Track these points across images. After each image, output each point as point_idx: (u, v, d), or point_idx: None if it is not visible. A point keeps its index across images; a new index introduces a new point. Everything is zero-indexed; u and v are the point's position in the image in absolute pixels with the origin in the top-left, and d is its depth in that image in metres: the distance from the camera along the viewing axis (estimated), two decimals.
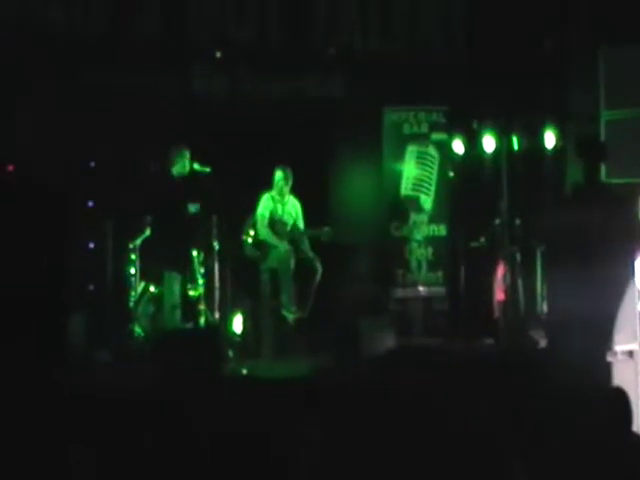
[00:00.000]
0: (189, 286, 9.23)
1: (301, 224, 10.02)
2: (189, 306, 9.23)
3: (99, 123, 9.49)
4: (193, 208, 9.17)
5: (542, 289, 9.57)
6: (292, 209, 10.01)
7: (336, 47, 10.72)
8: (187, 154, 9.21)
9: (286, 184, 9.86)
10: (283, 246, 9.85)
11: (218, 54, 10.23)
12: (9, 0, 9.44)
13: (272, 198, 9.94)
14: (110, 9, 9.92)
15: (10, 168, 5.76)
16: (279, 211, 9.97)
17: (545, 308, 9.10)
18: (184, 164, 9.19)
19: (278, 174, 9.83)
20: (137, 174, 9.54)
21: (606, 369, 6.69)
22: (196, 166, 9.16)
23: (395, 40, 10.92)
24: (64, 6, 9.70)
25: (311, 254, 9.90)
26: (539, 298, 9.72)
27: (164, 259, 9.15)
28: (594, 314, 6.64)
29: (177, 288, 9.10)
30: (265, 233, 9.89)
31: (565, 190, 9.80)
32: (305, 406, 6.39)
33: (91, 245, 9.74)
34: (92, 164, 9.83)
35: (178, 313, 9.09)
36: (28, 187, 5.54)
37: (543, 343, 8.81)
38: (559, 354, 6.93)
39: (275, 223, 9.93)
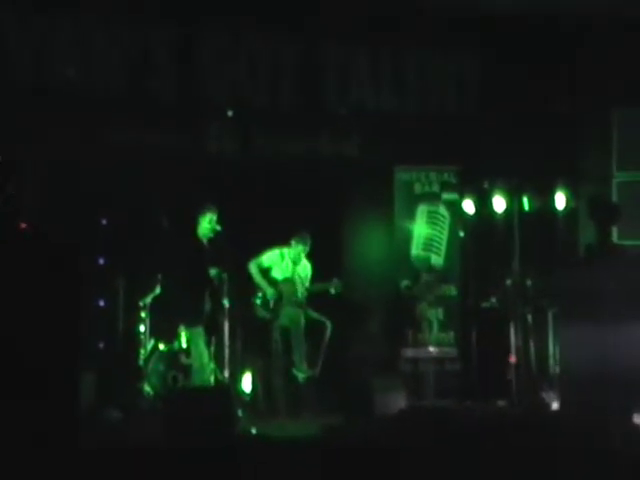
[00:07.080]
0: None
1: (308, 285, 10.03)
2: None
3: (111, 181, 9.52)
4: (214, 271, 9.15)
5: (554, 350, 9.50)
6: (303, 272, 10.04)
7: (348, 107, 10.75)
8: (215, 216, 9.10)
9: (306, 251, 9.91)
10: (291, 306, 9.86)
11: (230, 113, 10.27)
12: (28, 60, 9.53)
13: (282, 256, 9.96)
14: (126, 70, 10.00)
15: (22, 226, 5.76)
16: (291, 271, 9.98)
17: (557, 369, 9.02)
18: (212, 226, 9.09)
19: (305, 244, 9.85)
20: (149, 232, 9.49)
21: (634, 431, 6.62)
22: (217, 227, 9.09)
23: (407, 100, 10.95)
24: (81, 67, 9.78)
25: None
26: (551, 359, 9.64)
27: (187, 316, 9.06)
28: (606, 373, 6.60)
29: (203, 344, 8.98)
30: (257, 275, 9.85)
31: (577, 251, 9.78)
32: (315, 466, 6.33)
33: (101, 303, 9.72)
34: (104, 222, 9.84)
35: (211, 368, 9.00)
36: (41, 244, 5.54)
37: (555, 405, 8.75)
38: (572, 415, 6.88)
39: (286, 283, 9.93)
